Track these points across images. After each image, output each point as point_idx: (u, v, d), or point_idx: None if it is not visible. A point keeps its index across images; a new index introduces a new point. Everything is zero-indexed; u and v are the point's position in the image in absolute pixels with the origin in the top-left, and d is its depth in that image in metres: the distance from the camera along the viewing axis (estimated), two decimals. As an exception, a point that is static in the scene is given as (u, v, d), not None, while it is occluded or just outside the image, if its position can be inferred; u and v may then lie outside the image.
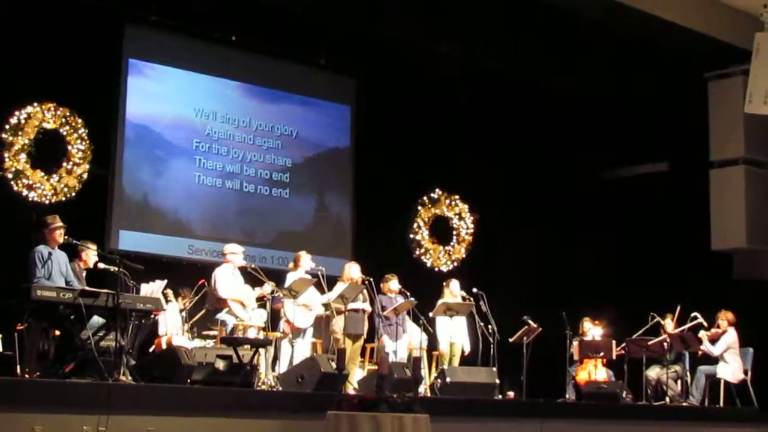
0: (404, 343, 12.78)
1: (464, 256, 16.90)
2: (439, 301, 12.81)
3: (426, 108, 16.14)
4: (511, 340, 13.03)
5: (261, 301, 11.86)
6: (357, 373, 12.11)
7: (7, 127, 12.69)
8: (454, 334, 12.87)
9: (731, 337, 13.47)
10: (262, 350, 10.74)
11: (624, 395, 12.76)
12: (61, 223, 9.73)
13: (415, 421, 7.81)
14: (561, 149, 17.12)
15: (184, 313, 12.14)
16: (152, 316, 10.32)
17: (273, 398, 9.54)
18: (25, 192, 12.70)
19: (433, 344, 13.19)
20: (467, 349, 13.20)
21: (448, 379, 11.24)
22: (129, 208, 13.83)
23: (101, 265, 10.30)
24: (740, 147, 15.60)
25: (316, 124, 15.73)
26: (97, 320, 9.38)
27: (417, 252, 16.55)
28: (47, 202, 12.76)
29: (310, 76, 15.64)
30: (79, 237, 10.07)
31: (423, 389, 11.65)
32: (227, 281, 11.59)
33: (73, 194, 13.06)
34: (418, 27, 14.19)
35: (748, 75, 13.56)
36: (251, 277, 11.86)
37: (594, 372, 13.63)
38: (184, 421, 8.42)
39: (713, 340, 13.49)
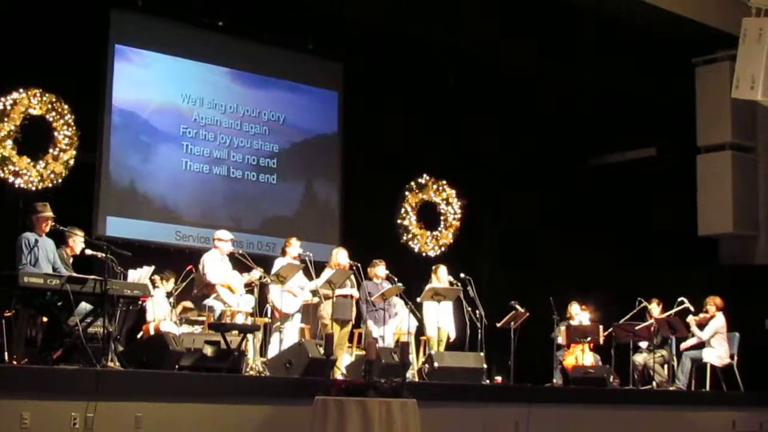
0: (391, 328, 12.80)
1: (452, 241, 16.92)
2: (427, 287, 12.82)
3: (413, 93, 16.13)
4: (498, 325, 13.06)
5: (249, 287, 11.86)
6: (345, 358, 12.13)
7: (-7, 113, 12.66)
8: (441, 319, 12.89)
9: (719, 321, 13.53)
10: (250, 336, 10.75)
11: (611, 380, 12.81)
12: (50, 213, 9.66)
13: (403, 406, 7.82)
14: (548, 135, 17.14)
15: (171, 299, 12.14)
16: (140, 302, 10.30)
17: (261, 384, 9.54)
18: (11, 179, 12.66)
19: (420, 329, 13.22)
20: (453, 335, 13.22)
21: (435, 364, 11.25)
22: (116, 194, 13.80)
23: (88, 252, 10.25)
24: (727, 132, 15.62)
25: (303, 110, 15.70)
26: (84, 307, 9.36)
27: (404, 237, 16.56)
28: (34, 188, 12.71)
29: (298, 61, 15.61)
30: (66, 223, 10.01)
31: (411, 374, 11.67)
32: (215, 267, 11.59)
33: (60, 180, 13.02)
34: (405, 12, 14.16)
35: (735, 60, 13.57)
36: (239, 263, 11.85)
37: (581, 357, 13.66)
38: (172, 406, 8.43)
39: (701, 325, 13.54)
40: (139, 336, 11.80)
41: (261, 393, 9.13)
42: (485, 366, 11.93)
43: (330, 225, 15.69)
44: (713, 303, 13.61)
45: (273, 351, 11.54)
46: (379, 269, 12.70)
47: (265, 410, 8.99)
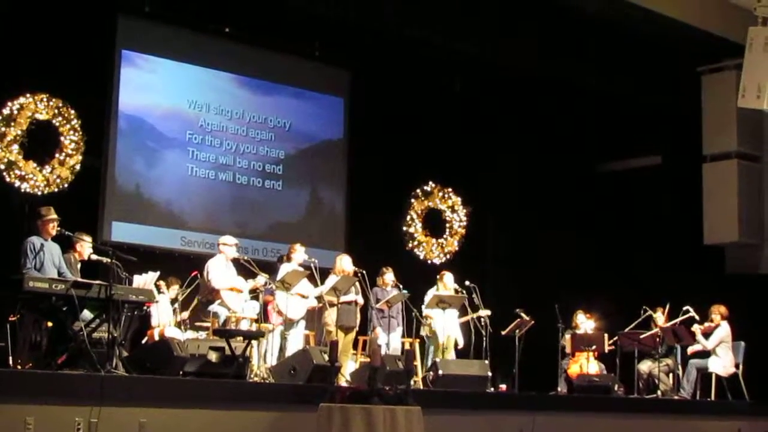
0: (398, 335, 12.80)
1: (457, 248, 16.90)
2: (432, 294, 12.81)
3: (419, 100, 16.12)
4: (503, 332, 13.05)
5: (254, 293, 11.86)
6: (349, 365, 12.12)
7: (0, 117, 12.65)
8: (447, 327, 12.88)
9: (724, 330, 13.50)
10: (254, 342, 10.74)
11: (616, 388, 12.79)
12: (55, 216, 9.70)
13: (408, 413, 7.81)
14: (554, 142, 17.14)
15: (176, 305, 12.14)
16: (145, 307, 10.31)
17: (265, 390, 9.53)
18: (17, 183, 12.67)
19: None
20: (461, 343, 13.21)
21: (440, 372, 11.24)
22: (122, 199, 13.81)
23: (94, 257, 10.27)
24: (733, 141, 15.60)
25: (309, 116, 15.71)
26: (87, 314, 9.35)
27: (410, 244, 16.55)
28: (40, 193, 12.74)
29: (304, 67, 15.63)
30: (72, 228, 10.03)
31: (414, 381, 11.66)
32: (220, 272, 11.58)
33: (66, 185, 13.04)
34: (412, 19, 14.16)
35: (741, 69, 13.57)
36: (244, 269, 11.85)
37: (586, 365, 13.64)
38: (177, 413, 8.42)
39: (706, 334, 13.51)
40: (143, 341, 11.80)
41: (265, 399, 9.12)
42: (490, 374, 11.92)
43: (335, 231, 15.69)
44: (718, 312, 13.58)
45: (271, 356, 11.54)
46: (387, 276, 12.72)
47: (269, 417, 8.98)
